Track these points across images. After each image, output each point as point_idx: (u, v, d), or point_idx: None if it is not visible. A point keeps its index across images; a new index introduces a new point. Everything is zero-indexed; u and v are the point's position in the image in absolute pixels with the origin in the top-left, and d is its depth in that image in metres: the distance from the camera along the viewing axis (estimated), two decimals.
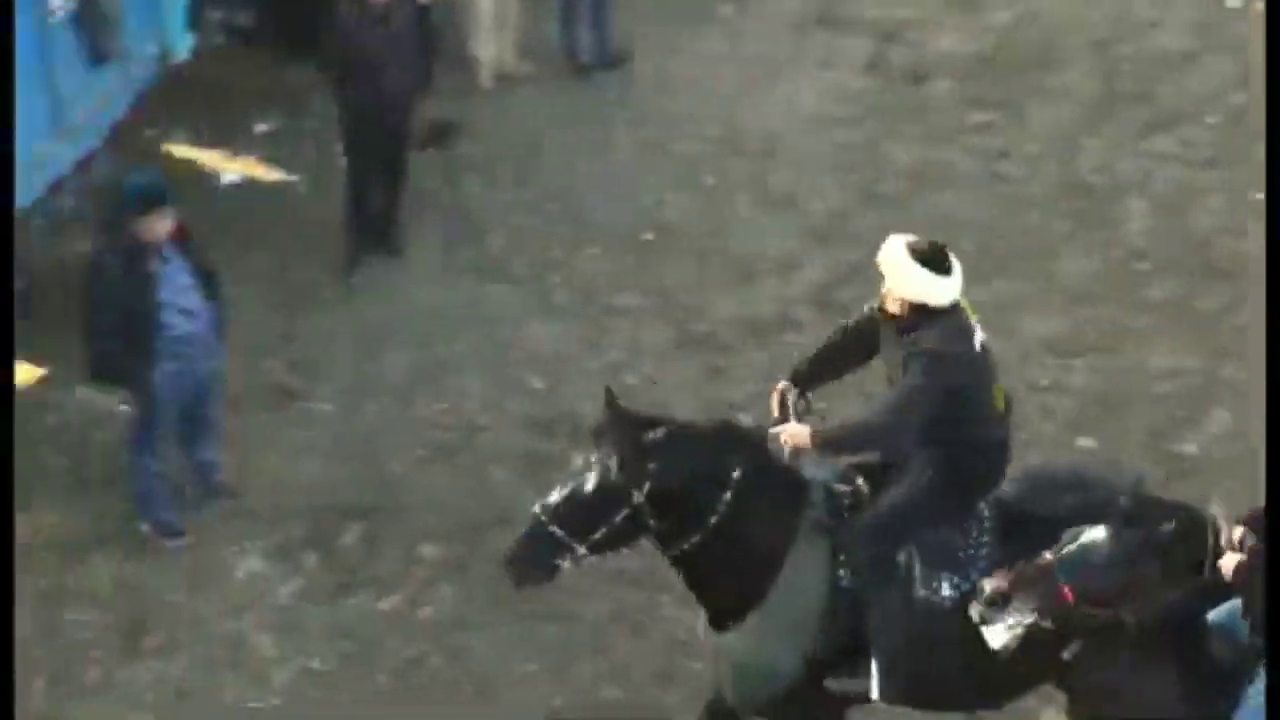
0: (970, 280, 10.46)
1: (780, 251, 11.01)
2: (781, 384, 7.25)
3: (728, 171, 11.73)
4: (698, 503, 6.88)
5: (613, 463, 6.77)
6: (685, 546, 6.94)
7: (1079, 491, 7.01)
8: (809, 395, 7.22)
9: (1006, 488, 7.15)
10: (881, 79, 12.56)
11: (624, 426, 6.82)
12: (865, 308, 7.24)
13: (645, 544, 7.07)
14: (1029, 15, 13.08)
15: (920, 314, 6.83)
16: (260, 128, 12.12)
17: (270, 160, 11.83)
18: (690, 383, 10.06)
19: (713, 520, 6.88)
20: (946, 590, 6.97)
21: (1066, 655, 6.75)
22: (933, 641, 6.86)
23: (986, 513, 7.06)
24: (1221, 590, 6.51)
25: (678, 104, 12.39)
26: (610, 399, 6.89)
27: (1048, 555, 6.44)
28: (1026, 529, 6.86)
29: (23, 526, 8.95)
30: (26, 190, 9.66)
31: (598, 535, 6.82)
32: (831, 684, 7.01)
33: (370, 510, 9.24)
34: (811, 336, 10.18)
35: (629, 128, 12.19)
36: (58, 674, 8.35)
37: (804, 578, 6.97)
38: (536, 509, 6.90)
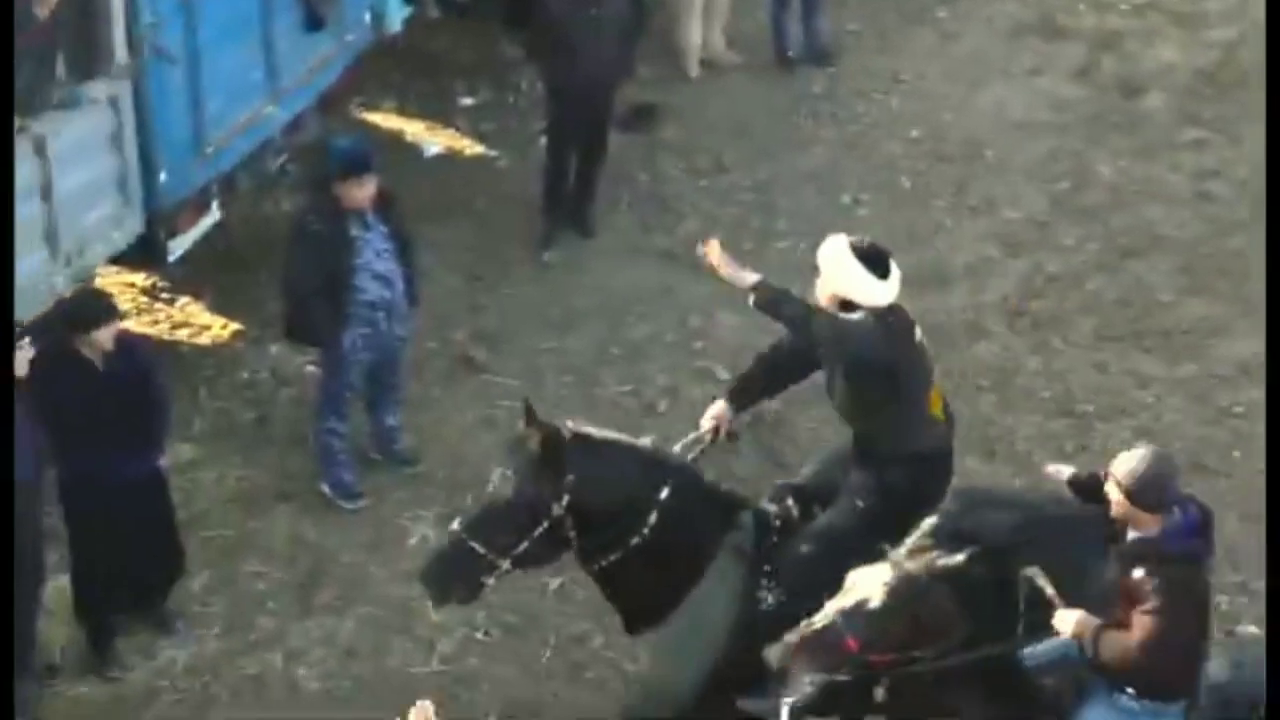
0: (1169, 299, 10.46)
1: (974, 258, 10.87)
2: (718, 406, 7.22)
3: (927, 174, 11.61)
4: (621, 521, 6.79)
5: (531, 474, 6.66)
6: (603, 563, 6.88)
7: (1013, 510, 6.82)
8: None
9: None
10: (1093, 89, 12.34)
11: (543, 438, 6.69)
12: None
13: None
14: (1254, 32, 12.74)
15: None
16: (466, 101, 12.26)
17: (473, 134, 11.97)
18: None
19: (634, 540, 6.79)
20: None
21: (878, 697, 6.48)
22: None
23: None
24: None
25: (882, 103, 12.31)
26: (529, 410, 6.81)
27: (829, 608, 6.28)
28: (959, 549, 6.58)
29: (207, 478, 9.18)
30: (236, 150, 9.86)
31: (519, 550, 6.71)
32: (743, 704, 6.81)
33: None
34: (998, 346, 10.12)
35: (831, 123, 12.12)
36: (232, 624, 8.53)
37: (716, 598, 6.85)
38: (455, 525, 6.81)
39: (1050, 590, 6.33)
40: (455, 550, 6.76)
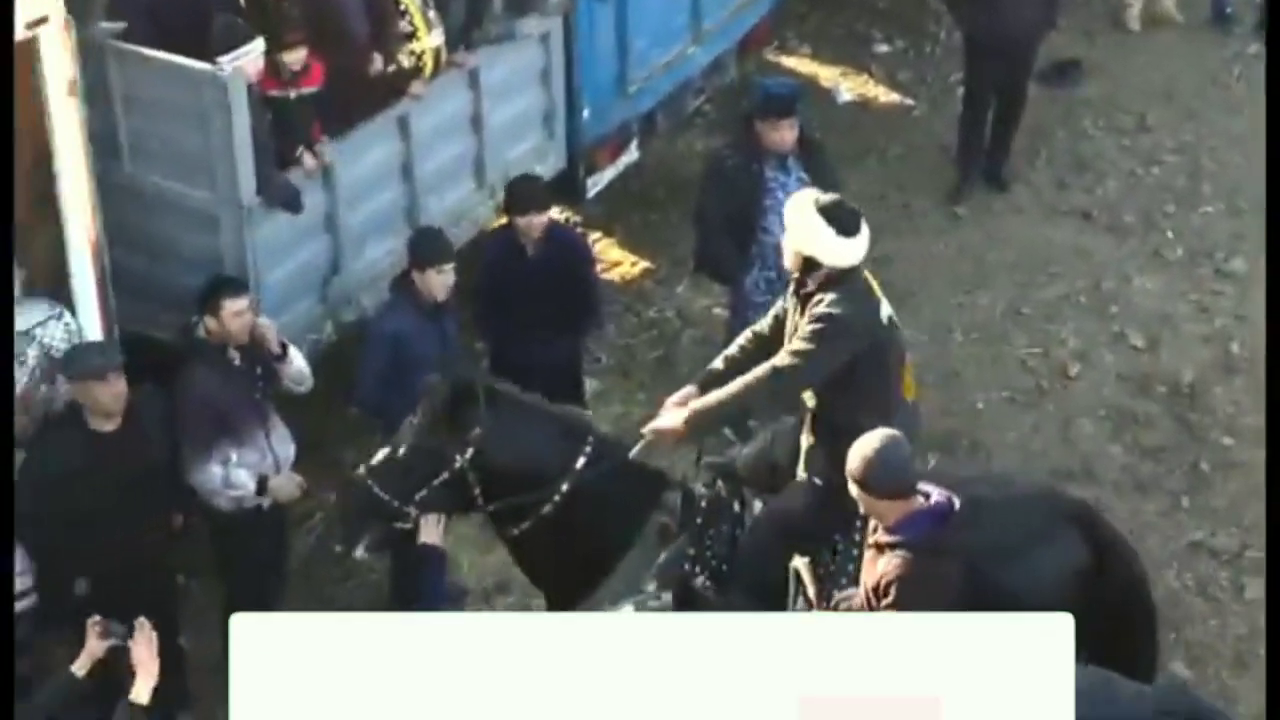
0: None
1: None
2: (687, 389, 6.70)
3: None
4: (530, 486, 6.54)
5: (434, 422, 6.47)
6: (516, 532, 6.64)
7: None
8: None
9: None
10: None
11: (453, 387, 6.50)
12: (774, 309, 6.70)
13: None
14: None
15: (823, 278, 6.27)
16: (882, 48, 12.11)
17: (889, 81, 11.82)
18: None
19: (545, 509, 6.55)
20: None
21: None
22: None
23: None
24: None
25: None
26: (444, 361, 6.72)
27: None
28: None
29: (611, 412, 9.28)
30: (657, 90, 9.93)
31: (419, 497, 6.47)
32: None
33: (946, 444, 9.13)
34: None
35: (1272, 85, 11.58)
36: None
37: (640, 581, 6.53)
38: (361, 469, 6.62)
39: (811, 587, 6.02)
40: (357, 493, 6.62)
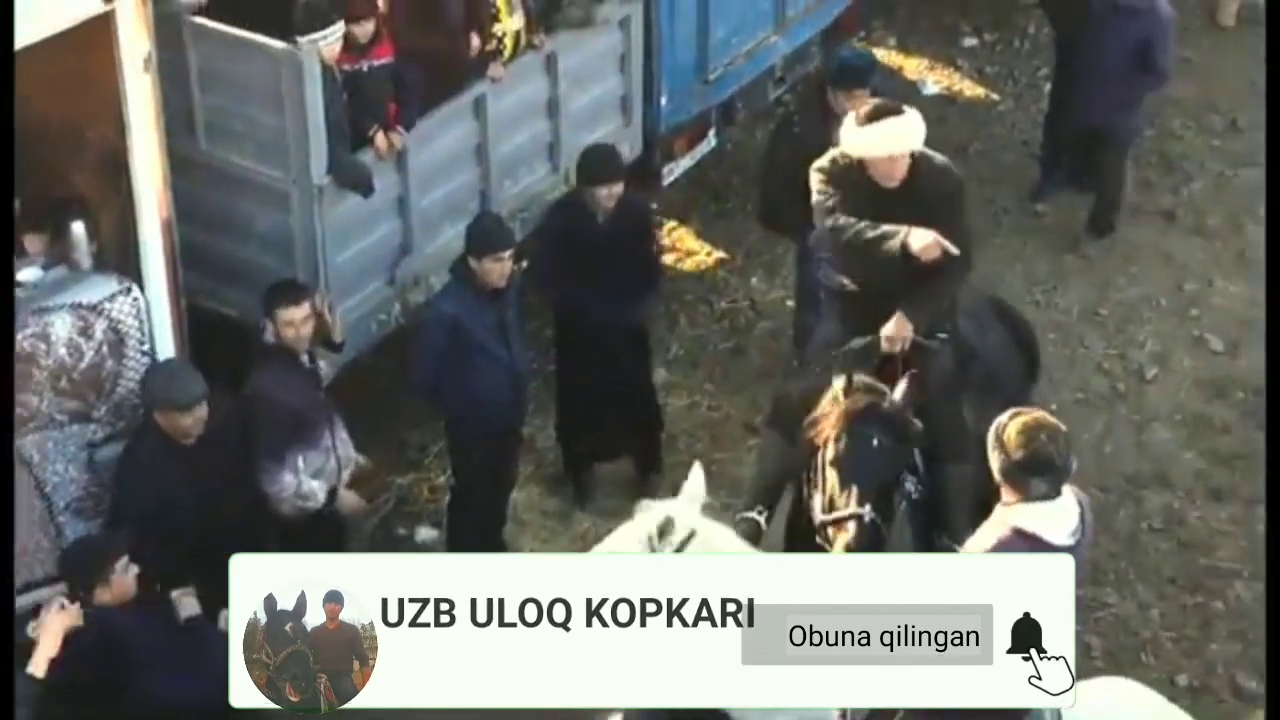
0: None
1: None
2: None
3: None
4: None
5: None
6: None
7: None
8: None
9: None
10: None
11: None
12: None
13: None
14: None
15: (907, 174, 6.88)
16: (969, 41, 11.97)
17: (975, 75, 11.68)
18: None
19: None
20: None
21: None
22: None
23: None
24: None
25: None
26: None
27: None
28: None
29: (678, 404, 9.21)
30: (737, 78, 9.85)
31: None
32: None
33: None
34: None
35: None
36: None
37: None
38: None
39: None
40: None
